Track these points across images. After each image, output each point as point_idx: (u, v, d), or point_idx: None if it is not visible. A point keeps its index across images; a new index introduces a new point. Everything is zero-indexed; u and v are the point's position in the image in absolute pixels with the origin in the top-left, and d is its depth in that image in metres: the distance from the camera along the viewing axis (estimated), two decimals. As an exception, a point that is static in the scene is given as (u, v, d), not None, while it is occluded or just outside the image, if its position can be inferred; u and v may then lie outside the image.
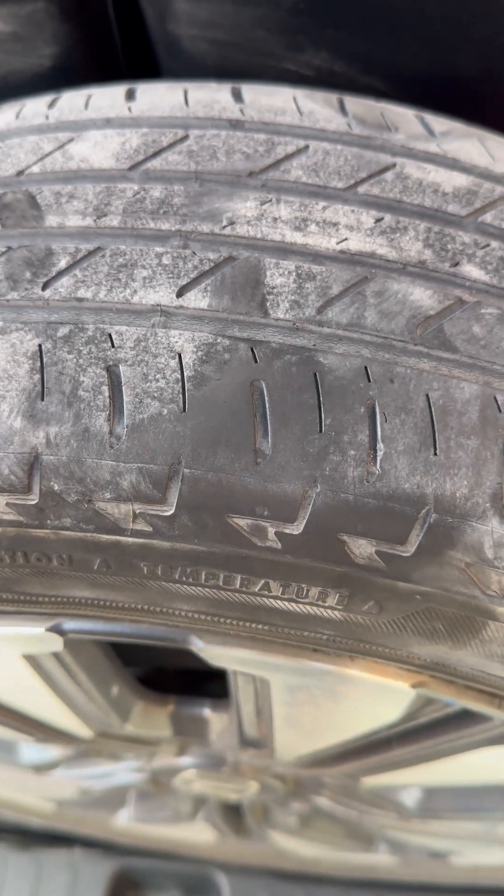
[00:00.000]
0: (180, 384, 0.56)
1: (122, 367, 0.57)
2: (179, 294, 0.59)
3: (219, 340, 0.58)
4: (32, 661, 0.83)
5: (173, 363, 0.57)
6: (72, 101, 0.76)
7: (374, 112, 0.74)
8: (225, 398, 0.56)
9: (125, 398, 0.56)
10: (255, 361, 0.57)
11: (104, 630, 0.73)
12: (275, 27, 0.96)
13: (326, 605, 0.60)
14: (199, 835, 1.61)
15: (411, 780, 1.05)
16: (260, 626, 0.64)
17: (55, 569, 0.62)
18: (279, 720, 0.86)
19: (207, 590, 0.61)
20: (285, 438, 0.55)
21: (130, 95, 0.76)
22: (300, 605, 0.60)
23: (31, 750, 1.22)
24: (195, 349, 0.57)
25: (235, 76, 1.04)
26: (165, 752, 1.13)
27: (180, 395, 0.56)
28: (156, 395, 0.56)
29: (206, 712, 1.05)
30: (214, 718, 1.05)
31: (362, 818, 1.27)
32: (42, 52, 1.03)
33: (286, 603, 0.60)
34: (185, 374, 0.57)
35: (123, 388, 0.57)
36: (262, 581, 0.59)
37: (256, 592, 0.60)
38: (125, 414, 0.56)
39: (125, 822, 1.62)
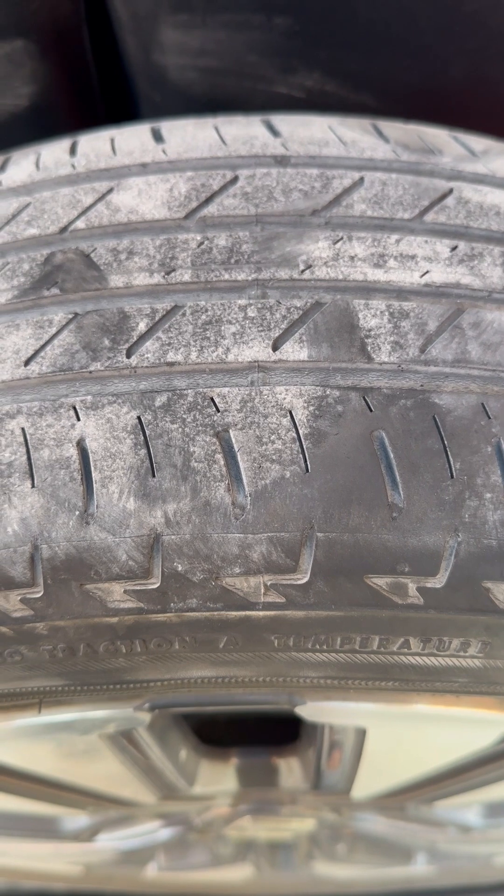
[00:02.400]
0: (298, 443, 0.53)
1: (232, 432, 0.54)
2: (275, 347, 0.56)
3: (328, 392, 0.55)
4: (107, 737, 0.78)
5: (286, 421, 0.54)
6: (95, 147, 0.72)
7: (412, 136, 0.73)
8: (348, 453, 0.53)
9: (242, 465, 0.53)
10: (371, 410, 0.54)
11: (197, 701, 0.69)
12: (268, 51, 0.93)
13: (468, 654, 0.57)
14: (236, 873, 1.56)
15: (484, 798, 1.04)
16: (390, 684, 0.62)
17: (176, 652, 0.58)
18: (366, 764, 0.84)
19: (342, 655, 0.58)
20: (418, 488, 0.53)
21: (158, 136, 0.72)
22: (439, 659, 0.58)
23: (74, 819, 1.17)
24: (305, 404, 0.55)
25: (224, 103, 1.01)
26: (221, 803, 1.09)
27: (300, 455, 0.53)
28: (274, 457, 0.53)
29: (274, 760, 1.02)
30: (283, 765, 1.02)
31: (415, 837, 1.26)
32: (20, 91, 0.99)
33: (425, 658, 0.58)
34: (301, 431, 0.54)
35: (238, 454, 0.53)
36: (402, 639, 0.56)
37: (395, 651, 0.58)
38: (245, 482, 0.53)
39: (156, 873, 1.56)
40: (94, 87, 1.04)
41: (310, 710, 0.69)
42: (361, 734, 0.77)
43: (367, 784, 0.93)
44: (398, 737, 0.77)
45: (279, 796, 1.07)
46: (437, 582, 0.53)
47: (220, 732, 1.08)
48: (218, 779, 1.01)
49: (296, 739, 1.04)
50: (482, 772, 0.91)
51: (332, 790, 0.98)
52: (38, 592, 0.53)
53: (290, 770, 1.02)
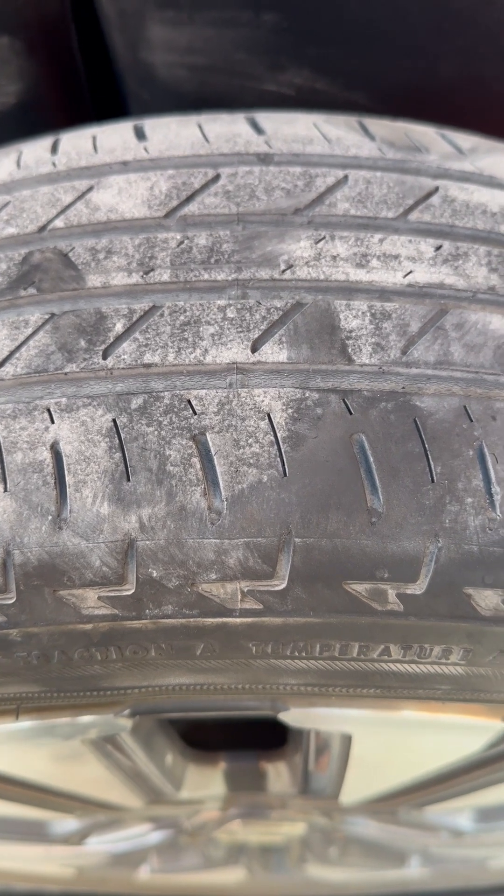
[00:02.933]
0: (276, 447, 0.52)
1: (209, 435, 0.53)
2: (254, 349, 0.55)
3: (307, 395, 0.54)
4: (90, 742, 0.77)
5: (264, 424, 0.53)
6: (76, 145, 0.71)
7: (398, 133, 0.72)
8: (326, 457, 0.52)
9: (219, 469, 0.52)
10: (350, 413, 0.53)
11: (177, 707, 0.68)
12: (256, 48, 0.92)
13: (450, 661, 0.56)
14: (228, 876, 1.56)
15: (477, 803, 1.03)
16: (372, 691, 0.61)
17: (152, 659, 0.57)
18: (353, 769, 0.83)
19: (321, 662, 0.57)
20: (398, 493, 0.51)
21: (140, 134, 0.71)
22: (421, 666, 0.57)
23: (63, 823, 1.16)
24: (284, 407, 0.54)
25: (213, 101, 1.00)
26: (210, 807, 1.08)
27: (278, 459, 0.52)
28: (252, 461, 0.52)
29: (262, 764, 1.01)
30: (271, 769, 1.01)
31: (408, 840, 1.25)
32: (6, 89, 0.97)
33: (406, 665, 0.57)
34: (279, 434, 0.53)
35: (215, 457, 0.52)
36: (382, 646, 0.55)
37: (375, 658, 0.57)
38: (222, 486, 0.52)
39: (148, 876, 1.56)
40: (82, 84, 1.03)
41: (294, 716, 0.68)
42: (347, 740, 0.76)
43: (356, 789, 0.92)
44: (385, 743, 0.76)
45: (268, 800, 1.06)
46: (418, 588, 0.52)
47: (210, 736, 1.07)
48: (205, 783, 1.00)
49: (283, 744, 1.03)
50: (471, 777, 0.90)
51: (320, 795, 0.97)
52: (10, 598, 0.52)
53: (279, 774, 1.01)
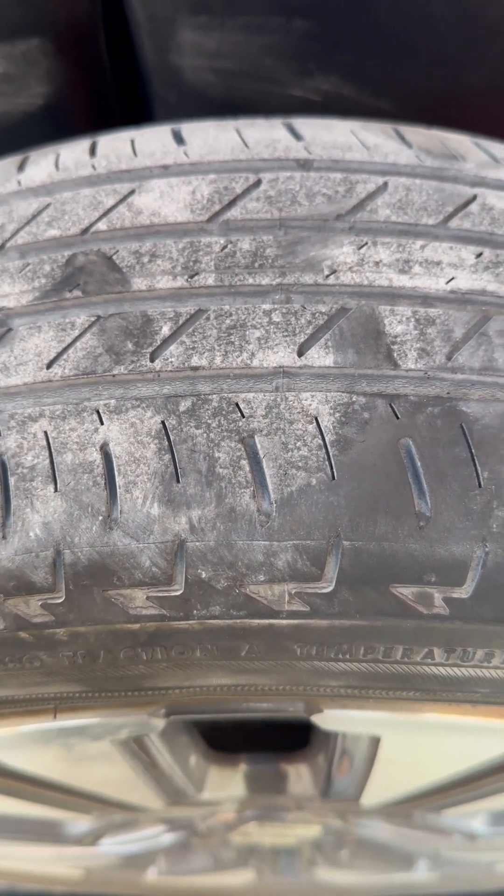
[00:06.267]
0: (324, 450, 0.53)
1: (257, 438, 0.53)
2: (300, 353, 0.56)
3: (354, 399, 0.54)
4: (119, 743, 0.77)
5: (311, 428, 0.54)
6: (115, 148, 0.72)
7: (434, 141, 0.72)
8: (374, 461, 0.52)
9: (267, 471, 0.52)
10: (397, 418, 0.54)
11: (212, 709, 0.69)
12: (285, 54, 0.93)
13: (491, 665, 0.57)
14: (235, 878, 1.56)
15: (493, 806, 1.03)
16: (411, 694, 0.61)
17: (197, 660, 0.57)
18: (378, 772, 0.83)
19: (364, 665, 0.57)
20: (445, 498, 0.52)
21: (179, 138, 0.72)
22: (463, 669, 0.58)
23: (78, 824, 1.16)
24: (331, 411, 0.54)
25: (239, 105, 1.01)
26: (227, 809, 1.08)
27: (326, 463, 0.53)
28: (300, 464, 0.52)
29: (283, 767, 1.01)
30: (292, 771, 1.01)
31: (419, 844, 1.25)
32: (34, 91, 0.98)
33: (448, 669, 0.58)
34: (327, 438, 0.53)
35: (263, 460, 0.53)
36: (426, 649, 0.56)
37: (418, 661, 0.57)
38: (271, 488, 0.52)
39: (156, 877, 1.55)
40: (108, 87, 1.03)
41: (326, 719, 0.68)
42: (375, 742, 0.77)
43: (378, 792, 0.92)
44: (412, 745, 0.76)
45: (285, 802, 1.06)
46: (464, 592, 0.52)
47: (227, 737, 1.07)
48: (226, 784, 1.00)
49: (305, 746, 1.04)
50: (493, 780, 0.90)
51: (341, 797, 0.97)
52: (59, 598, 0.53)
53: (300, 777, 1.01)
